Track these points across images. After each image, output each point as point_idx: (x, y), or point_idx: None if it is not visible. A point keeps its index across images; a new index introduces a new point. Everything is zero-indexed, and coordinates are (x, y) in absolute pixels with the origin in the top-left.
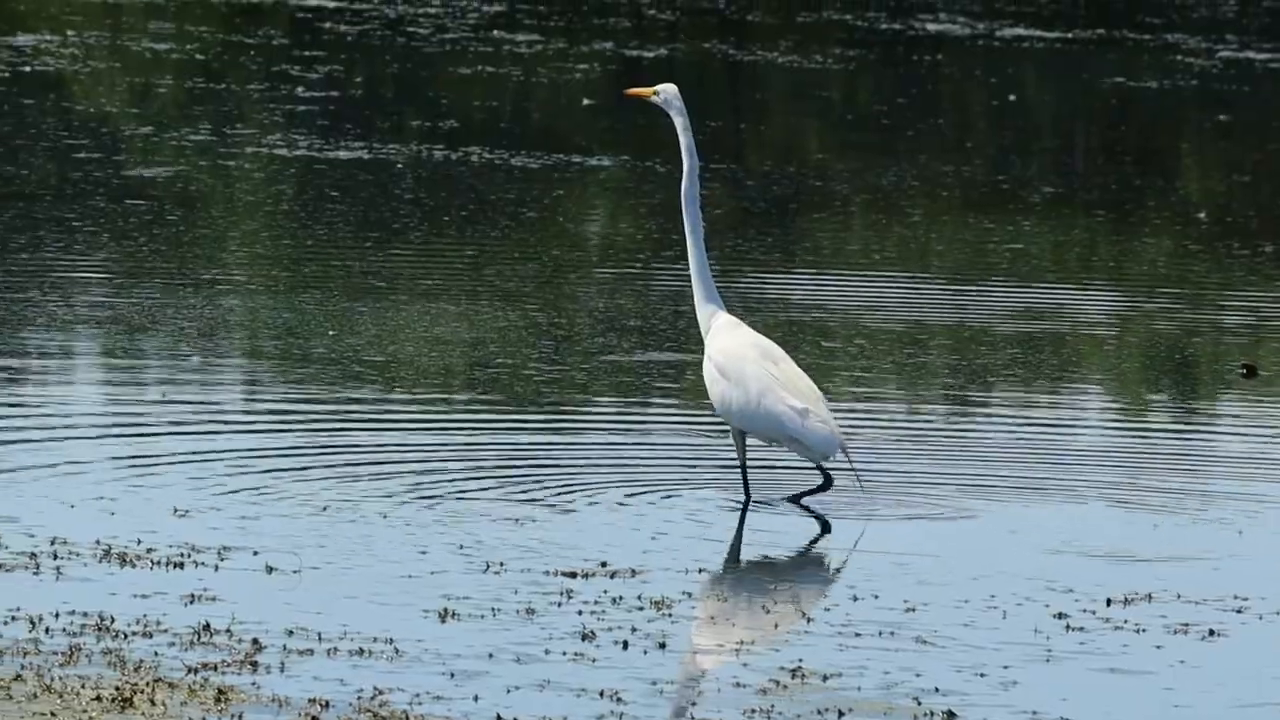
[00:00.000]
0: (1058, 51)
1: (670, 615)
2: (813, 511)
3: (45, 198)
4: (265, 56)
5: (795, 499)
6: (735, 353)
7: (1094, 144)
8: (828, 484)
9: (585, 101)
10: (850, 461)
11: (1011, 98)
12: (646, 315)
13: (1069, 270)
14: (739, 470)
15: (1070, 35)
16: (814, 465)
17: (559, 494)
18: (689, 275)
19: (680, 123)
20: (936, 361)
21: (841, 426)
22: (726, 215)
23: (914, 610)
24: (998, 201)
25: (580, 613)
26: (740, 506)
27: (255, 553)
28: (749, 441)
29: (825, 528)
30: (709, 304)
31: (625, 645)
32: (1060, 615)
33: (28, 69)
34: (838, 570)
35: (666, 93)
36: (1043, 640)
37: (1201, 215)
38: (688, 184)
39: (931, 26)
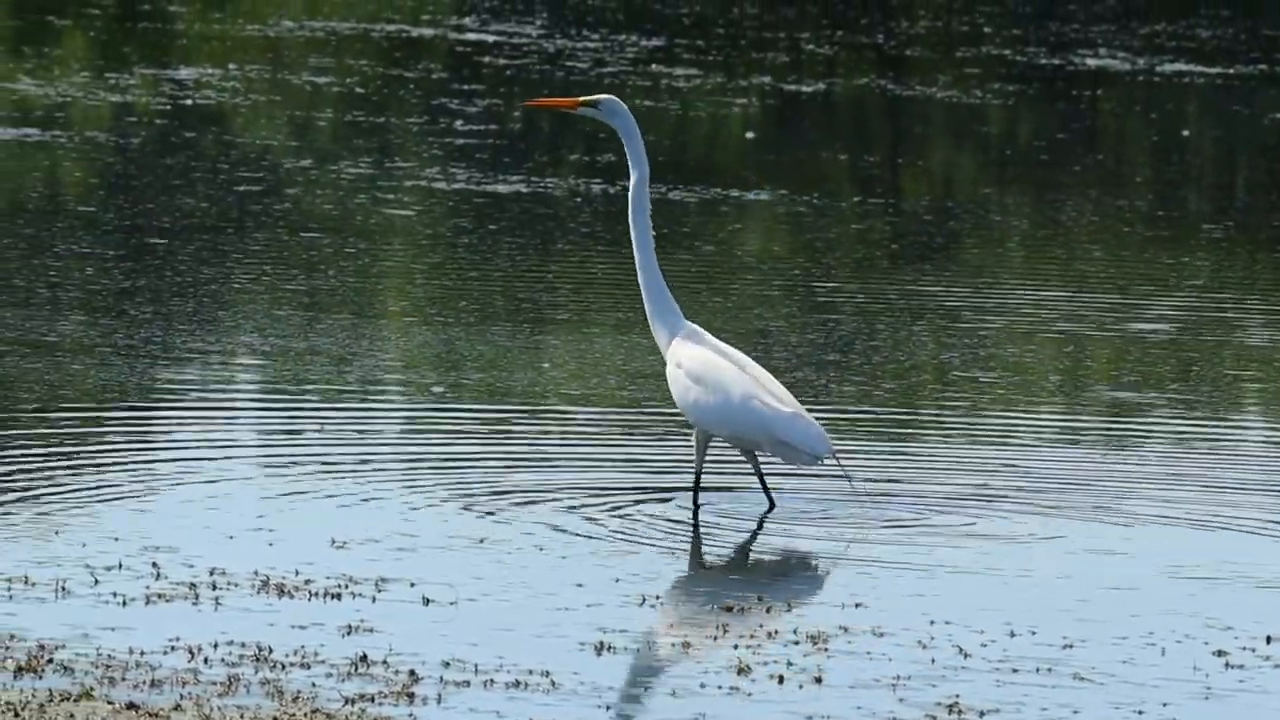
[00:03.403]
0: (1219, 87)
1: (826, 649)
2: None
3: (228, 230)
4: (424, 90)
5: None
6: (708, 360)
7: (1262, 179)
8: (771, 506)
9: (749, 135)
10: (841, 464)
11: (1185, 133)
12: (844, 349)
13: (1246, 302)
14: (694, 477)
15: (1232, 71)
16: (757, 477)
17: (725, 530)
18: (641, 287)
19: (628, 133)
20: (1097, 392)
21: (996, 452)
22: (905, 249)
23: (1072, 646)
24: (1178, 236)
25: (735, 646)
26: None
27: (412, 584)
28: (708, 448)
29: (979, 559)
30: (665, 316)
31: (781, 680)
32: (1220, 652)
33: (189, 102)
34: (995, 605)
35: (610, 104)
36: (1202, 678)
37: None
38: (636, 194)
39: (1091, 62)
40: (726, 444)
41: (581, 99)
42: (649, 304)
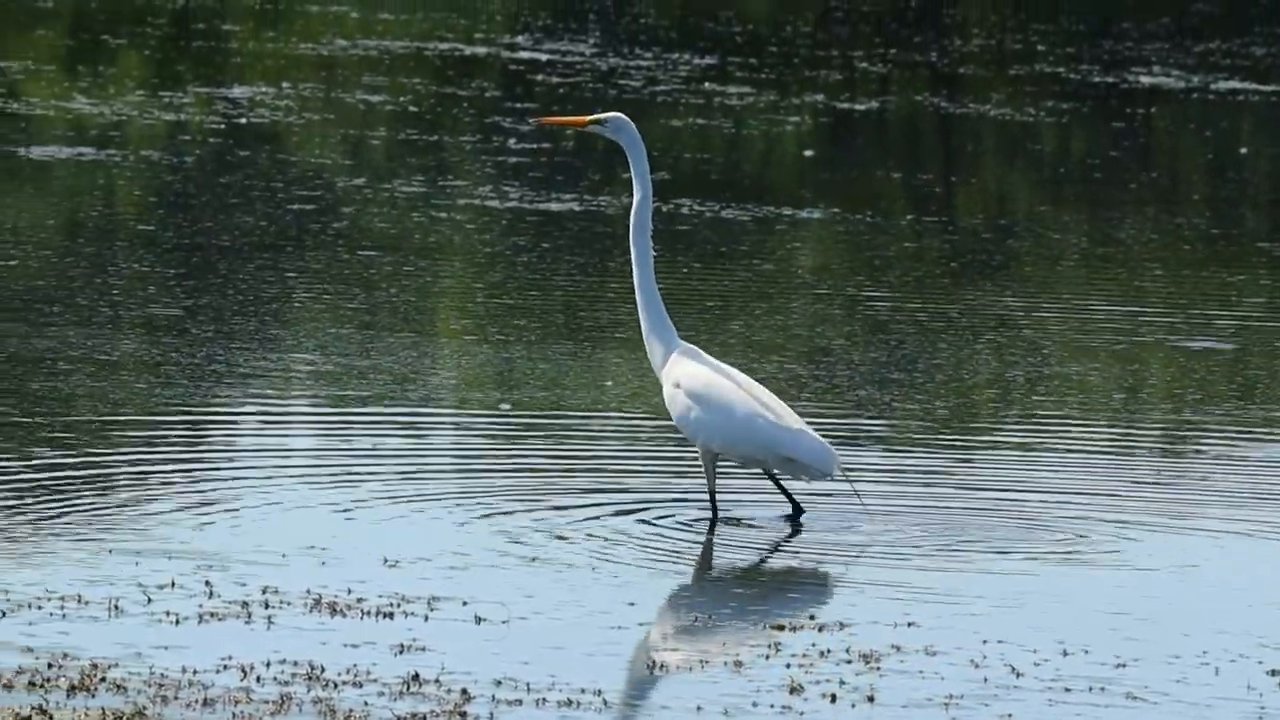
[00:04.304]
0: (1275, 104)
1: (878, 668)
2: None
3: (286, 248)
4: (477, 109)
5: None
6: (708, 380)
7: None
8: (798, 513)
9: (807, 153)
10: (850, 480)
11: (1243, 151)
12: (906, 367)
13: None
14: (709, 496)
15: None
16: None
17: (777, 549)
18: (638, 306)
19: (634, 152)
20: (1157, 410)
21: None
22: (964, 267)
23: (1124, 665)
24: (1237, 254)
25: (788, 665)
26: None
27: (464, 603)
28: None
29: (1032, 577)
30: (661, 336)
31: (833, 699)
32: (1274, 672)
33: (244, 121)
34: (1047, 624)
35: (617, 121)
36: (1255, 698)
37: None
38: (639, 213)
39: (1145, 79)
40: (736, 464)
41: (590, 117)
42: (645, 323)
